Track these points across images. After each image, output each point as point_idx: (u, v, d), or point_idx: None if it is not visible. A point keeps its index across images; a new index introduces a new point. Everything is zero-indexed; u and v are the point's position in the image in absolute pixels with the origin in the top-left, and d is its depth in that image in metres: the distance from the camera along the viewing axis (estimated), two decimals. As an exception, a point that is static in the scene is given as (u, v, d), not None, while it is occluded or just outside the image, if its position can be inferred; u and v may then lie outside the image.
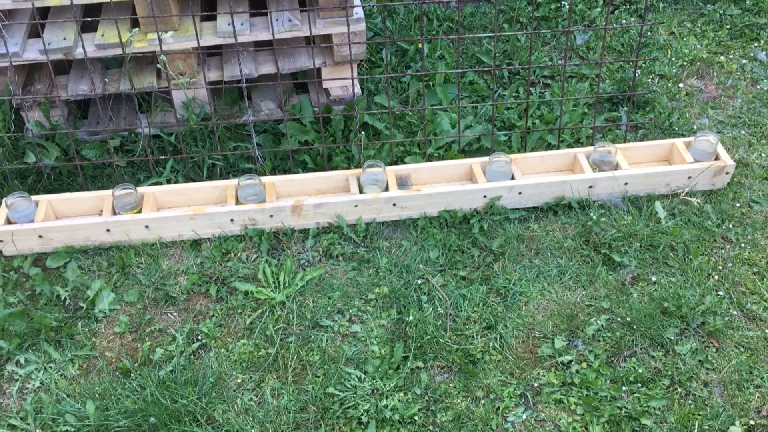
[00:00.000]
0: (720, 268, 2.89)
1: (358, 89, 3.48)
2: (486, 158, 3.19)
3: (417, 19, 4.07)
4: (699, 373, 2.56)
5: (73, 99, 3.31)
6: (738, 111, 3.63)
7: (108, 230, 2.97)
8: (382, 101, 3.54)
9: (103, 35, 3.13)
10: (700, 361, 2.59)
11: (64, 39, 3.12)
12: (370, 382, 2.53)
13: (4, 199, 2.99)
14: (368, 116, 3.41)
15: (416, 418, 2.45)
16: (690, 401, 2.49)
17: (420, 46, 3.79)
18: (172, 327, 2.73)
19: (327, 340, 2.67)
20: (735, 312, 2.74)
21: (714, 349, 2.63)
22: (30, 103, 3.24)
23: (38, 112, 3.26)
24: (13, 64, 3.07)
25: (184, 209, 3.04)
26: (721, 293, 2.80)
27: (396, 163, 3.30)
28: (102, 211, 3.04)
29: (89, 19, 3.13)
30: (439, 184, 3.19)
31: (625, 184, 3.13)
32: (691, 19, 4.18)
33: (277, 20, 3.21)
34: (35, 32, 3.19)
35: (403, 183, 3.18)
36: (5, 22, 3.06)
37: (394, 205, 3.06)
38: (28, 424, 2.45)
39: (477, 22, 4.10)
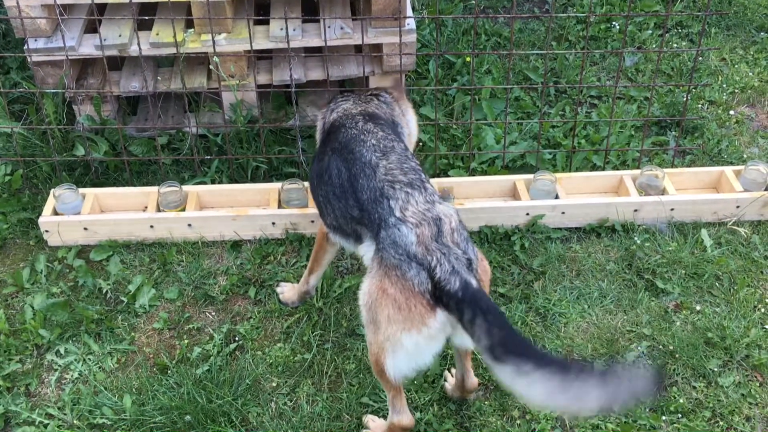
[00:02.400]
0: (766, 300, 2.83)
1: (404, 100, 3.47)
2: (530, 176, 3.17)
3: (465, 33, 4.06)
4: (741, 407, 2.50)
5: (124, 95, 3.35)
6: (789, 141, 3.56)
7: (151, 226, 3.00)
8: (427, 113, 3.54)
9: (158, 34, 3.17)
10: (743, 394, 2.53)
11: (120, 36, 3.17)
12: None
13: (53, 190, 3.04)
14: (413, 127, 3.40)
15: (450, 433, 2.43)
16: (732, 435, 2.44)
17: (469, 59, 3.79)
18: (210, 326, 2.75)
19: (363, 349, 2.66)
20: (781, 347, 2.68)
21: (758, 384, 2.57)
22: (82, 97, 3.29)
23: (90, 106, 3.31)
24: (69, 57, 3.12)
25: (227, 210, 3.06)
26: (767, 327, 2.74)
27: (439, 176, 3.29)
28: (146, 207, 3.07)
29: (145, 18, 3.17)
30: (482, 199, 3.18)
31: (672, 209, 3.08)
32: (744, 46, 4.12)
33: (329, 27, 3.22)
34: (92, 28, 3.25)
35: (445, 196, 3.17)
36: (64, 17, 3.12)
37: (436, 217, 3.05)
38: (65, 414, 2.48)
39: (525, 38, 4.08)
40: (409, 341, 2.06)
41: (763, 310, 2.79)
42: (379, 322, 2.09)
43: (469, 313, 1.95)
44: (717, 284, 2.87)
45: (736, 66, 3.98)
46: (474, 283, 2.01)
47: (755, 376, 2.59)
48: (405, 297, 2.04)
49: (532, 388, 1.82)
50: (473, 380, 2.44)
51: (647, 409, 2.48)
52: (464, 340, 2.06)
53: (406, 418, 2.26)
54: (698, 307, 2.79)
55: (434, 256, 2.04)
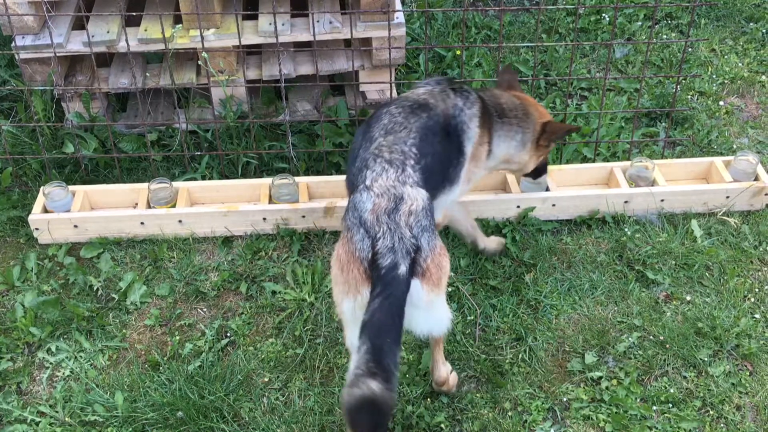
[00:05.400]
0: (756, 290, 2.84)
1: (394, 93, 3.47)
2: (521, 168, 3.17)
3: (455, 26, 4.06)
4: (732, 396, 2.52)
5: (113, 92, 3.34)
6: (779, 131, 3.57)
7: (142, 223, 2.99)
8: (418, 107, 3.53)
9: (146, 30, 3.16)
10: (733, 384, 2.55)
11: (108, 32, 3.15)
12: (397, 388, 2.52)
13: (42, 188, 3.03)
14: (404, 121, 3.40)
15: (442, 426, 2.44)
16: (722, 424, 2.45)
17: (459, 53, 3.78)
18: (201, 322, 2.75)
19: (355, 344, 2.66)
20: (770, 336, 2.69)
21: (748, 373, 2.58)
22: (71, 94, 3.28)
23: (79, 103, 3.30)
24: (57, 54, 3.11)
25: (218, 206, 3.05)
26: (756, 316, 2.75)
27: (430, 169, 3.28)
28: (137, 204, 3.07)
29: (133, 14, 3.16)
30: (473, 193, 3.17)
31: (662, 200, 3.09)
32: (733, 37, 4.13)
33: (318, 22, 3.22)
34: (80, 24, 3.23)
35: (436, 189, 3.17)
36: (51, 14, 3.10)
37: (427, 211, 3.05)
38: (57, 411, 2.48)
39: (515, 31, 4.08)
40: (347, 306, 2.11)
41: (753, 299, 2.81)
42: (332, 281, 2.18)
43: (376, 290, 2.00)
44: (707, 274, 2.88)
45: (726, 57, 3.99)
46: (403, 268, 2.02)
47: (745, 366, 2.60)
48: (347, 260, 2.10)
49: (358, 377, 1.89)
50: (440, 372, 2.43)
51: (638, 399, 2.50)
52: (410, 317, 2.09)
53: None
54: (688, 298, 2.80)
55: (381, 228, 2.08)
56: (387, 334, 1.95)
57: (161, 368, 2.58)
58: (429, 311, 2.15)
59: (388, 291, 2.00)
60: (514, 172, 2.98)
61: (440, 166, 2.42)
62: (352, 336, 2.11)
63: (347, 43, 3.41)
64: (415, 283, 2.08)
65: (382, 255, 2.04)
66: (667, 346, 2.64)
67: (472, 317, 2.73)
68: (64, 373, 2.59)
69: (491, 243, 2.93)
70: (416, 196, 2.17)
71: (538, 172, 2.88)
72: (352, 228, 2.13)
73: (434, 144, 2.38)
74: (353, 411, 1.86)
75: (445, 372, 2.44)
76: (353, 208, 2.17)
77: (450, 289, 2.83)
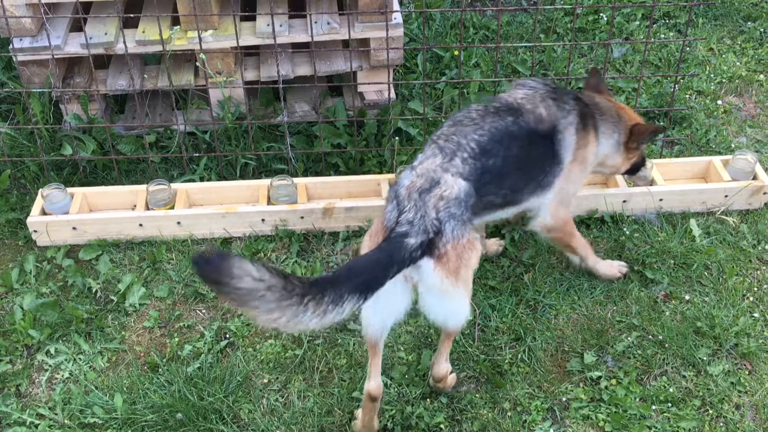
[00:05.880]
0: (755, 289, 2.84)
1: (392, 94, 3.48)
2: (519, 168, 3.17)
3: (453, 26, 4.06)
4: (731, 395, 2.52)
5: (112, 93, 3.34)
6: (777, 130, 3.58)
7: (141, 225, 2.99)
8: (416, 107, 3.54)
9: (144, 32, 3.16)
10: (732, 383, 2.55)
11: (106, 34, 3.15)
12: (396, 389, 2.53)
13: (41, 190, 3.03)
14: (402, 121, 3.40)
15: (442, 426, 2.44)
16: (721, 424, 2.45)
17: (457, 53, 3.78)
18: (200, 324, 2.74)
19: (354, 344, 2.66)
20: (769, 335, 2.70)
21: (747, 372, 2.58)
22: (69, 96, 3.28)
23: (77, 105, 3.30)
24: (55, 56, 3.11)
25: (216, 207, 3.05)
26: (755, 315, 2.75)
27: (428, 170, 3.28)
28: (135, 206, 3.06)
29: (131, 15, 3.16)
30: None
31: (660, 200, 3.09)
32: (731, 36, 4.13)
33: (315, 23, 3.22)
34: (77, 26, 3.23)
35: (435, 190, 3.17)
36: (49, 16, 3.10)
37: (426, 211, 3.05)
38: (56, 414, 2.48)
39: (513, 31, 4.08)
40: None
41: (751, 298, 2.81)
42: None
43: (379, 247, 2.07)
44: (706, 273, 2.88)
45: (724, 56, 3.99)
46: (413, 240, 2.06)
47: (744, 365, 2.60)
48: (376, 229, 2.21)
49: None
50: (440, 368, 2.43)
51: (637, 399, 2.50)
52: (423, 299, 2.16)
53: (373, 384, 2.29)
54: (687, 297, 2.80)
55: (409, 204, 2.14)
56: (353, 276, 1.93)
57: (160, 370, 2.58)
58: (443, 299, 2.17)
59: (384, 246, 2.07)
60: (607, 174, 2.94)
61: (519, 170, 2.42)
62: (366, 314, 2.18)
63: (345, 43, 3.41)
64: (428, 263, 2.11)
65: (400, 224, 2.11)
66: (666, 345, 2.64)
67: (471, 317, 2.73)
68: (63, 376, 2.59)
69: (492, 246, 2.95)
70: (453, 185, 2.20)
71: (636, 167, 2.87)
72: (389, 201, 2.22)
73: (511, 148, 2.38)
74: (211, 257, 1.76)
75: (445, 370, 2.44)
76: (397, 183, 2.26)
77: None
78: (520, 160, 2.41)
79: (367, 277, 1.96)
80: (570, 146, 2.53)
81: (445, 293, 2.16)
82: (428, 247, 2.10)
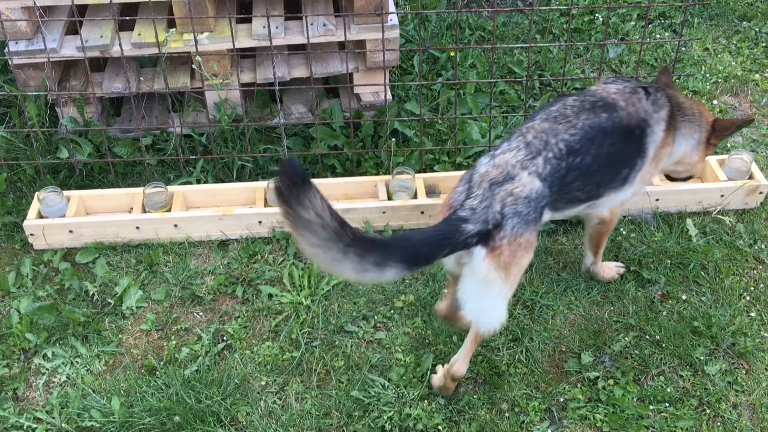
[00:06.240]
0: (752, 288, 2.85)
1: (389, 95, 3.48)
2: (516, 169, 3.17)
3: (449, 27, 4.07)
4: (728, 394, 2.52)
5: (108, 96, 3.34)
6: (772, 130, 3.58)
7: (137, 228, 2.99)
8: (412, 108, 3.54)
9: (139, 34, 3.16)
10: (729, 382, 2.55)
11: (101, 37, 3.15)
12: (394, 390, 2.53)
13: (37, 193, 3.03)
14: (398, 123, 3.41)
15: (440, 428, 2.44)
16: (718, 423, 2.45)
17: (453, 54, 3.79)
18: (198, 326, 2.74)
19: (351, 346, 2.66)
20: (766, 334, 2.70)
21: (744, 371, 2.59)
22: (65, 99, 3.28)
23: (73, 108, 3.29)
24: (51, 59, 3.10)
25: (213, 209, 3.05)
26: (752, 314, 2.76)
27: (425, 171, 3.29)
28: (132, 209, 3.06)
29: (126, 18, 3.16)
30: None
31: (657, 200, 3.10)
32: (726, 36, 4.14)
33: (311, 24, 3.22)
34: (73, 29, 3.23)
35: (431, 191, 3.17)
36: (44, 19, 3.10)
37: (422, 213, 3.06)
38: (53, 417, 2.47)
39: (509, 32, 4.08)
40: None
41: (748, 298, 2.81)
42: None
43: (437, 226, 2.15)
44: (702, 273, 2.89)
45: (719, 56, 4.00)
46: (471, 227, 2.12)
47: (741, 364, 2.61)
48: (443, 206, 2.28)
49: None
50: (460, 368, 2.42)
51: (635, 399, 2.50)
52: (465, 270, 2.21)
53: (442, 305, 2.48)
54: (684, 297, 2.81)
55: (479, 192, 2.19)
56: (403, 248, 2.03)
57: (158, 373, 2.58)
58: (484, 289, 2.20)
59: (441, 226, 2.14)
60: (677, 174, 2.87)
61: (607, 166, 2.41)
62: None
63: (341, 45, 3.41)
64: (480, 251, 2.15)
65: (463, 209, 2.17)
66: (663, 345, 2.65)
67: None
68: (60, 379, 2.58)
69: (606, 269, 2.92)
70: (527, 184, 2.21)
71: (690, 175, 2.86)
72: (462, 179, 2.27)
73: (603, 145, 2.36)
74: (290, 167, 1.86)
75: (464, 371, 2.42)
76: (475, 165, 2.30)
77: (446, 291, 2.83)
78: (610, 156, 2.40)
79: (416, 252, 2.05)
80: (655, 143, 2.52)
81: (487, 285, 2.19)
82: (484, 238, 2.14)
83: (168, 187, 3.08)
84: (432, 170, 3.30)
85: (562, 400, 2.52)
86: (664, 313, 2.75)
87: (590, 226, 2.71)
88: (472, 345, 2.40)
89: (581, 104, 2.43)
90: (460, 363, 2.41)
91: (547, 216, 2.37)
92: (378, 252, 1.97)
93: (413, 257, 2.05)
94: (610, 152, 2.39)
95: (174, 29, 3.15)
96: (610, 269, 2.85)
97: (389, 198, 3.09)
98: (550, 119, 2.38)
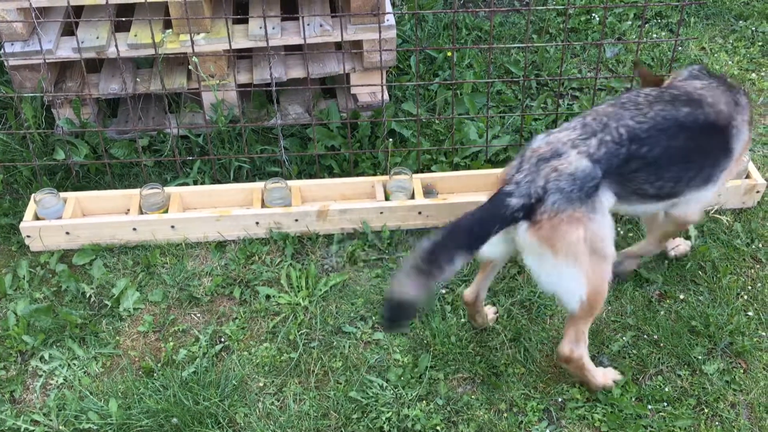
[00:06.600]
0: (749, 288, 2.85)
1: (386, 96, 3.48)
2: (513, 169, 3.17)
3: (446, 27, 4.06)
4: (726, 394, 2.52)
5: (104, 97, 3.33)
6: (769, 129, 3.59)
7: (134, 229, 2.98)
8: (409, 108, 3.54)
9: (135, 35, 3.15)
10: (727, 381, 2.55)
11: (97, 38, 3.14)
12: (392, 391, 2.52)
13: (33, 195, 3.02)
14: (395, 123, 3.41)
15: (438, 428, 2.44)
16: (717, 422, 2.45)
17: (450, 54, 3.79)
18: (195, 328, 2.74)
19: (349, 347, 2.66)
20: (764, 333, 2.70)
21: (742, 370, 2.59)
22: (61, 101, 3.27)
23: (69, 109, 3.29)
24: (47, 61, 3.10)
25: (210, 210, 3.05)
26: (750, 314, 2.76)
27: (422, 171, 3.29)
28: (129, 210, 3.05)
29: (123, 19, 3.15)
30: (466, 194, 3.18)
31: (654, 199, 3.09)
32: (723, 35, 4.15)
33: (308, 25, 3.22)
34: (69, 30, 3.22)
35: (429, 191, 3.17)
36: (40, 20, 3.09)
37: (420, 213, 3.05)
38: (50, 420, 2.46)
39: (506, 32, 4.08)
40: None
41: (745, 297, 2.82)
42: None
43: (483, 205, 2.22)
44: (700, 272, 2.89)
45: (716, 55, 4.00)
46: (515, 201, 2.17)
47: (739, 363, 2.61)
48: (500, 176, 2.32)
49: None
50: (560, 347, 2.41)
51: (633, 399, 2.50)
52: (526, 261, 2.28)
53: (467, 291, 2.57)
54: (682, 296, 2.81)
55: (526, 166, 2.24)
56: (457, 235, 2.13)
57: (155, 375, 2.57)
58: (538, 264, 2.24)
59: (487, 204, 2.20)
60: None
61: (685, 162, 2.37)
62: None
63: (338, 45, 3.40)
64: (523, 225, 2.20)
65: (508, 183, 2.23)
66: (661, 344, 2.65)
67: (465, 319, 2.73)
68: (57, 381, 2.58)
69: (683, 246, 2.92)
70: (573, 162, 2.21)
71: None
72: (519, 153, 2.32)
73: (677, 138, 2.32)
74: (385, 307, 2.15)
75: (567, 350, 2.40)
76: (529, 142, 2.35)
77: (444, 291, 2.84)
78: (687, 152, 2.36)
79: (469, 236, 2.15)
80: (742, 142, 2.49)
81: (540, 259, 2.22)
82: (528, 212, 2.17)
83: (165, 188, 3.08)
84: (429, 170, 3.30)
85: (560, 399, 2.52)
86: (662, 312, 2.76)
87: (666, 223, 2.67)
88: (569, 326, 2.39)
89: (659, 96, 2.40)
90: (561, 345, 2.42)
91: (609, 201, 2.30)
92: (443, 253, 2.10)
93: (469, 242, 2.14)
94: (687, 147, 2.35)
95: (170, 30, 3.14)
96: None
97: (387, 198, 3.09)
98: (617, 105, 2.37)
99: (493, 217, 2.17)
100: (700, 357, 2.61)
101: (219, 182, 3.24)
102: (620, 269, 2.80)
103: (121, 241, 3.00)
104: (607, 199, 2.28)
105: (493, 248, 2.28)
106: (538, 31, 4.11)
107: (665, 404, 2.49)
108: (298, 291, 2.83)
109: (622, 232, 3.04)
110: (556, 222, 2.17)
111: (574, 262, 2.21)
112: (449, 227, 2.16)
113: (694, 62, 3.95)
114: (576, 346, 2.40)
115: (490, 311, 2.71)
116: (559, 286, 2.28)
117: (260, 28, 3.16)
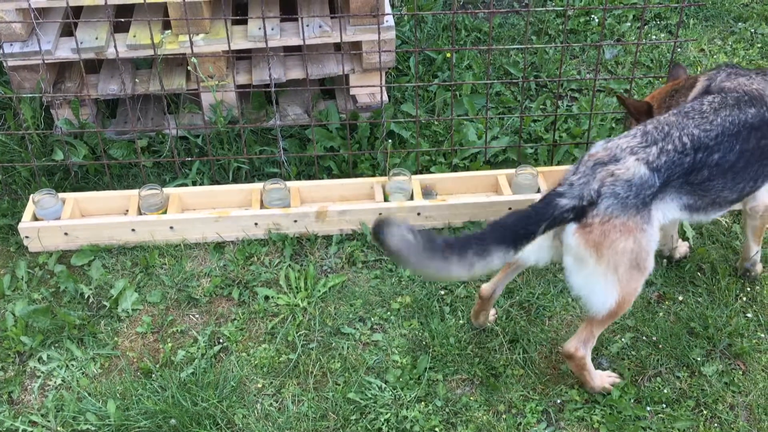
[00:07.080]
0: (748, 289, 2.85)
1: (385, 97, 3.48)
2: (512, 170, 3.18)
3: (445, 29, 4.07)
4: (725, 395, 2.52)
5: (103, 98, 3.33)
6: (768, 131, 3.59)
7: (133, 230, 2.98)
8: (408, 110, 3.54)
9: (135, 36, 3.15)
10: (726, 383, 2.55)
11: (96, 38, 3.14)
12: (390, 392, 2.52)
13: (32, 195, 3.02)
14: (394, 124, 3.40)
15: (437, 430, 2.43)
16: (716, 424, 2.45)
17: (449, 55, 3.79)
18: (194, 329, 2.73)
19: (348, 348, 2.66)
20: (763, 335, 2.70)
21: (741, 372, 2.59)
22: (60, 101, 3.27)
23: (68, 110, 3.28)
24: (45, 61, 3.09)
25: (209, 211, 3.04)
26: (749, 315, 2.76)
27: (421, 172, 3.29)
28: (127, 211, 3.05)
29: (122, 20, 3.15)
30: (465, 195, 3.18)
31: (653, 201, 3.09)
32: (722, 37, 4.15)
33: (307, 26, 3.22)
34: (68, 31, 3.22)
35: (428, 192, 3.17)
36: (39, 21, 3.09)
37: (419, 214, 3.05)
38: (48, 421, 2.46)
39: (505, 33, 4.08)
40: None
41: (744, 298, 2.81)
42: None
43: (533, 205, 2.20)
44: (699, 274, 2.89)
45: (715, 57, 4.00)
46: (565, 201, 2.16)
47: (738, 365, 2.61)
48: (558, 179, 2.30)
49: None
50: (567, 345, 2.42)
51: (632, 400, 2.50)
52: (564, 263, 2.26)
53: (485, 285, 2.54)
54: (680, 298, 2.81)
55: (584, 169, 2.23)
56: (499, 231, 2.10)
57: (153, 376, 2.57)
58: (578, 266, 2.21)
59: (536, 204, 2.18)
60: None
61: (760, 160, 2.37)
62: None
63: (337, 46, 3.40)
64: (572, 226, 2.18)
65: (562, 184, 2.22)
66: (660, 346, 2.65)
67: (464, 320, 2.73)
68: (55, 382, 2.57)
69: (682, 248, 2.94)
70: (630, 168, 2.20)
71: None
72: (579, 158, 2.32)
73: (749, 140, 2.32)
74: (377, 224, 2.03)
75: (572, 348, 2.39)
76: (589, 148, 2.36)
77: (443, 292, 2.84)
78: (762, 150, 2.35)
79: (513, 232, 2.10)
80: None
81: (581, 262, 2.20)
82: (579, 214, 2.15)
83: (164, 189, 3.08)
84: (428, 172, 3.30)
85: (559, 401, 2.51)
86: (661, 314, 2.75)
87: (753, 219, 2.67)
88: (583, 328, 2.38)
89: (723, 101, 2.38)
90: (569, 342, 2.42)
91: (671, 213, 2.30)
92: (475, 244, 2.04)
93: (512, 238, 2.09)
94: (760, 146, 2.35)
95: (169, 31, 3.14)
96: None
97: (386, 199, 3.09)
98: (680, 114, 2.36)
99: (540, 216, 2.13)
100: (699, 358, 2.61)
101: (218, 183, 3.24)
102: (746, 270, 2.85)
103: (119, 241, 3.00)
104: (665, 210, 2.28)
105: (536, 250, 2.26)
106: (538, 33, 4.11)
107: (664, 406, 2.49)
108: (297, 292, 2.82)
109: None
110: (608, 228, 2.15)
111: (614, 272, 2.20)
112: (492, 223, 2.12)
113: (693, 64, 3.95)
114: (583, 346, 2.40)
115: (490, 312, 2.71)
116: (591, 291, 2.25)
117: (259, 28, 3.16)
